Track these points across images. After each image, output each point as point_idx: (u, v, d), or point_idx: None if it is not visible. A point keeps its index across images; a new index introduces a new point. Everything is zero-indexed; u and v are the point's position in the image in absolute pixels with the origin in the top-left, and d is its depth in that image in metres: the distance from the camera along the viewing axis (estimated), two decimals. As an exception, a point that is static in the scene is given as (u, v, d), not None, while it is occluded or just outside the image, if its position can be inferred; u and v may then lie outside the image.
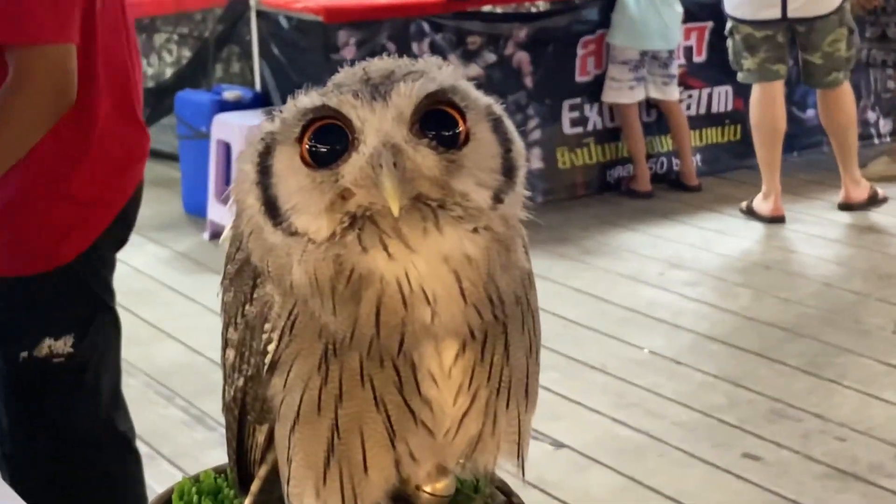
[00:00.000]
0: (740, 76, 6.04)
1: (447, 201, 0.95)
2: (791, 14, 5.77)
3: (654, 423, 3.88)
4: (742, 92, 6.39)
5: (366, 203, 0.95)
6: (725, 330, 4.66)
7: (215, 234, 5.67)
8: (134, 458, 2.54)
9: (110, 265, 2.46)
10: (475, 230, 0.96)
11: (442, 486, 1.10)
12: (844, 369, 4.25)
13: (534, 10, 6.71)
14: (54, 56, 2.11)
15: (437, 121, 0.97)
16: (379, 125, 0.95)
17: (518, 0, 6.46)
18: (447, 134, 0.97)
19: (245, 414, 1.11)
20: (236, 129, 5.49)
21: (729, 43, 6.00)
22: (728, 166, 6.79)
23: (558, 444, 3.73)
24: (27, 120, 2.12)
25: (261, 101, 5.97)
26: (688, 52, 6.67)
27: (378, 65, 1.00)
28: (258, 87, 6.17)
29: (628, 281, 5.23)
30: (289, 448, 1.04)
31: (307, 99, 0.98)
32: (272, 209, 0.99)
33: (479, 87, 1.03)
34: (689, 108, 6.68)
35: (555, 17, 6.42)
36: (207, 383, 4.04)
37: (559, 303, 4.82)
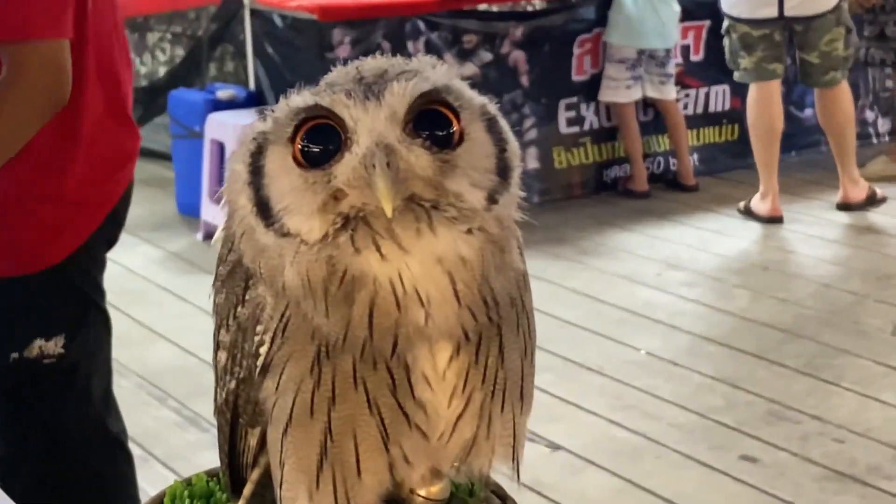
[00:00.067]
0: (737, 75, 6.03)
1: (441, 202, 0.95)
2: (788, 13, 5.77)
3: (651, 424, 3.87)
4: (740, 91, 6.39)
5: (359, 204, 0.95)
6: (723, 331, 4.66)
7: (209, 235, 5.64)
8: (126, 460, 2.53)
9: (101, 265, 2.45)
10: (469, 231, 0.96)
11: (436, 489, 1.10)
12: (843, 371, 4.24)
13: (530, 8, 6.72)
14: (48, 52, 2.09)
15: (431, 120, 0.97)
16: (372, 125, 0.95)
17: (514, -2, 6.48)
18: (441, 134, 0.97)
19: (237, 417, 1.11)
20: (230, 128, 5.46)
21: (725, 42, 5.99)
22: (725, 166, 6.80)
23: (554, 446, 3.72)
24: (21, 116, 2.11)
25: (255, 100, 5.96)
26: (685, 50, 6.68)
27: (371, 64, 1.00)
28: (252, 86, 6.15)
29: (625, 282, 5.22)
30: (281, 451, 1.04)
31: (299, 98, 0.98)
32: (264, 210, 0.98)
33: (474, 86, 1.03)
34: (686, 107, 6.69)
35: (551, 15, 6.42)
36: (200, 384, 4.03)
37: (555, 304, 4.81)
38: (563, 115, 6.38)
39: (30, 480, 2.37)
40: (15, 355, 2.29)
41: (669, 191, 6.54)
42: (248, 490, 1.15)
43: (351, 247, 0.94)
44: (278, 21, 5.97)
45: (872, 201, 6.09)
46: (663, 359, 4.38)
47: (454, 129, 0.97)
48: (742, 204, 6.09)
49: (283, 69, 5.90)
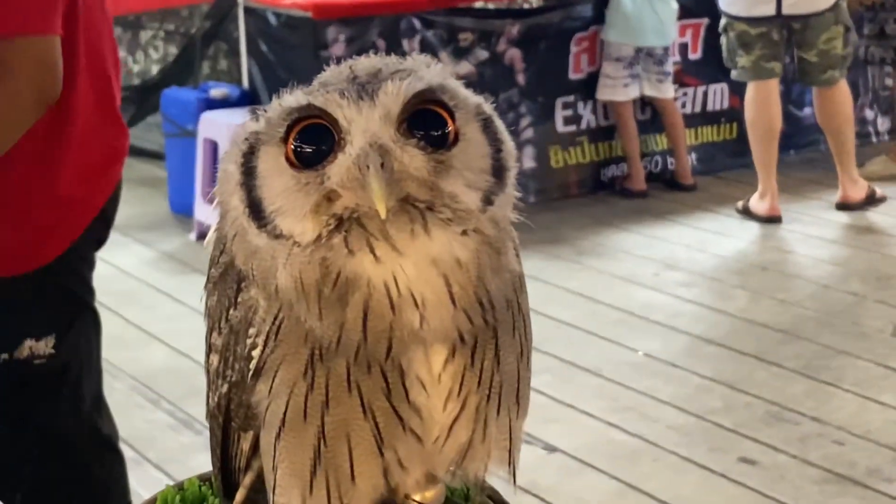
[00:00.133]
0: (734, 74, 6.03)
1: (436, 203, 0.95)
2: (786, 11, 5.76)
3: (649, 426, 3.86)
4: (738, 89, 6.39)
5: (352, 205, 0.95)
6: (721, 332, 4.65)
7: (202, 235, 5.63)
8: (118, 462, 2.53)
9: (91, 264, 2.45)
10: (464, 233, 0.96)
11: (431, 494, 1.10)
12: (842, 372, 4.23)
13: (526, 6, 6.75)
14: (38, 48, 2.09)
15: (426, 120, 0.97)
16: (366, 125, 0.95)
17: (510, -4, 6.51)
18: (435, 134, 0.97)
19: (229, 421, 1.11)
20: (223, 127, 5.46)
21: (723, 40, 5.99)
22: (724, 165, 6.80)
23: (551, 449, 3.71)
24: (11, 113, 2.11)
25: (248, 98, 5.97)
26: (683, 48, 6.68)
27: (365, 63, 1.01)
28: (246, 84, 6.15)
29: (622, 282, 5.21)
30: (274, 456, 1.04)
31: (292, 98, 0.98)
32: (257, 211, 0.99)
33: (470, 84, 1.03)
34: (684, 105, 6.69)
35: (548, 13, 6.42)
36: (194, 386, 3.99)
37: (552, 304, 4.80)
38: (559, 114, 6.37)
39: (21, 483, 2.37)
40: (5, 356, 2.28)
41: (667, 190, 6.52)
42: (240, 495, 1.15)
43: (344, 248, 0.94)
44: (272, 19, 5.96)
45: (872, 201, 6.08)
46: (661, 360, 4.37)
47: (449, 129, 0.97)
48: (740, 204, 6.08)
49: (278, 67, 5.90)
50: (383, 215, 0.92)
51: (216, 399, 1.11)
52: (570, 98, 6.38)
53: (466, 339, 0.99)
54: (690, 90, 6.73)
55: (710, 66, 6.63)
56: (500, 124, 1.02)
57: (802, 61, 5.93)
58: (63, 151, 2.25)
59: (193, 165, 5.82)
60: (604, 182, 6.54)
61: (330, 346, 0.97)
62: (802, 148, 6.99)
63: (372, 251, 0.94)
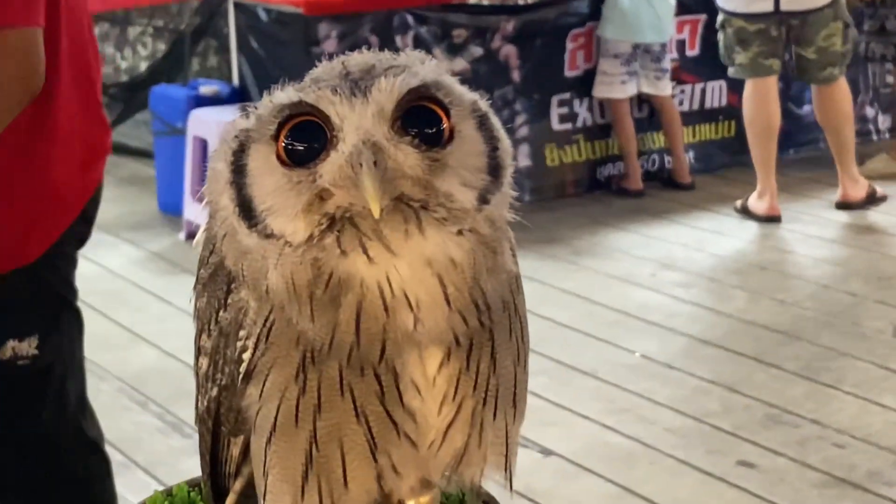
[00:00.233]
0: (731, 71, 6.04)
1: (430, 202, 0.95)
2: (784, 7, 5.75)
3: (647, 429, 3.85)
4: (737, 87, 6.39)
5: (345, 204, 0.94)
6: (719, 333, 4.64)
7: (191, 234, 5.67)
8: (104, 464, 2.53)
9: (73, 262, 2.45)
10: (460, 232, 0.96)
11: (426, 500, 1.09)
12: (842, 374, 4.22)
13: (521, 2, 6.75)
14: (21, 39, 2.11)
15: (420, 118, 0.96)
16: (359, 122, 0.94)
17: (505, -8, 6.54)
18: (430, 131, 0.96)
19: (219, 425, 1.11)
20: (213, 125, 5.47)
21: (720, 36, 5.99)
22: (722, 164, 6.80)
23: (547, 452, 3.69)
24: None
25: (239, 96, 5.98)
26: (680, 45, 6.69)
27: (358, 59, 1.00)
28: (236, 81, 6.15)
29: (619, 282, 5.21)
30: (265, 461, 1.04)
31: (283, 95, 0.98)
32: (247, 210, 0.98)
33: (464, 81, 1.02)
34: (681, 103, 6.69)
35: (543, 9, 6.42)
36: (183, 389, 3.95)
37: (548, 305, 4.78)
38: (555, 112, 6.36)
39: (6, 485, 2.38)
40: None
41: (664, 189, 6.52)
42: (230, 501, 1.14)
43: (337, 249, 0.94)
44: (263, 15, 5.97)
45: (872, 200, 6.07)
46: (658, 362, 4.36)
47: (444, 126, 0.96)
48: (739, 203, 6.07)
49: (268, 64, 5.90)
50: (377, 215, 0.91)
51: (206, 403, 1.10)
52: (566, 95, 6.37)
53: (462, 342, 0.98)
54: (688, 87, 6.73)
55: (708, 63, 6.61)
56: (496, 121, 1.01)
57: (801, 58, 5.92)
58: (46, 146, 2.26)
59: (182, 164, 5.82)
60: (600, 181, 6.54)
61: (322, 348, 0.97)
62: (802, 146, 7.00)
63: (365, 251, 0.93)
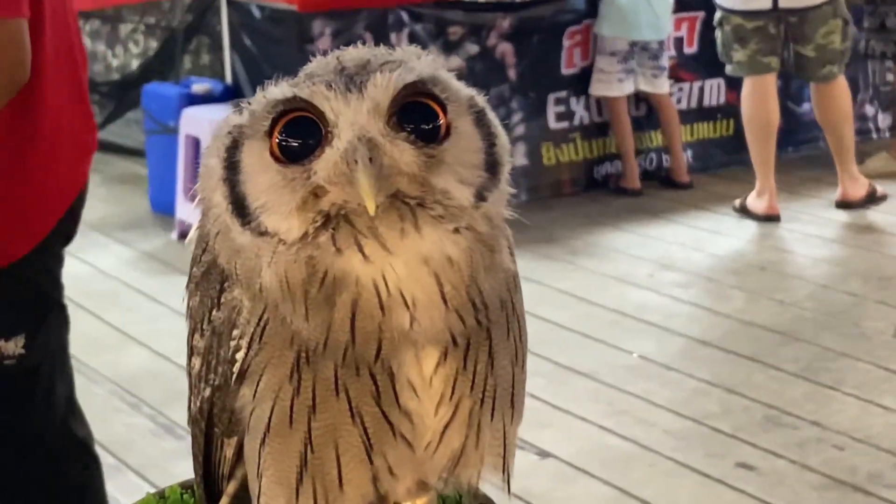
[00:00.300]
0: (729, 69, 6.03)
1: (427, 199, 0.94)
2: (782, 4, 5.74)
3: (645, 431, 3.85)
4: (735, 85, 6.39)
5: (340, 201, 0.94)
6: (718, 334, 4.63)
7: (184, 234, 5.67)
8: (94, 465, 2.54)
9: (60, 260, 2.45)
10: (457, 230, 0.95)
11: (422, 502, 1.09)
12: (842, 375, 4.21)
13: None
14: (6, 30, 2.10)
15: (416, 113, 0.95)
16: (354, 118, 0.93)
17: (501, -11, 6.55)
18: (426, 127, 0.95)
19: (212, 426, 1.10)
20: (206, 123, 5.45)
21: (718, 34, 5.99)
22: (720, 162, 6.81)
23: (544, 454, 3.69)
24: None
25: (231, 94, 5.97)
26: (678, 43, 6.69)
27: (353, 54, 0.99)
28: (229, 79, 6.13)
29: (617, 283, 5.21)
30: (259, 463, 1.03)
31: (277, 90, 0.97)
32: (240, 208, 0.97)
33: (460, 79, 1.01)
34: (679, 101, 6.69)
35: (539, 6, 6.40)
36: (175, 390, 3.98)
37: (545, 306, 4.77)
38: (552, 110, 6.35)
39: None
40: None
41: (662, 188, 6.51)
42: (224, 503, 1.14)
43: (332, 247, 0.93)
44: (256, 12, 5.97)
45: (872, 199, 6.06)
46: (657, 363, 4.35)
47: (440, 122, 0.96)
48: (738, 202, 6.06)
49: (262, 62, 5.89)
50: (372, 212, 0.91)
51: (198, 404, 1.10)
52: (563, 93, 6.37)
53: (459, 341, 0.98)
54: (686, 85, 6.72)
55: (706, 61, 6.62)
56: (493, 118, 1.01)
57: (800, 56, 5.91)
58: (32, 143, 2.25)
59: (175, 163, 5.82)
60: (597, 180, 6.53)
61: (317, 348, 0.96)
62: (801, 145, 7.00)
63: (360, 249, 0.93)
